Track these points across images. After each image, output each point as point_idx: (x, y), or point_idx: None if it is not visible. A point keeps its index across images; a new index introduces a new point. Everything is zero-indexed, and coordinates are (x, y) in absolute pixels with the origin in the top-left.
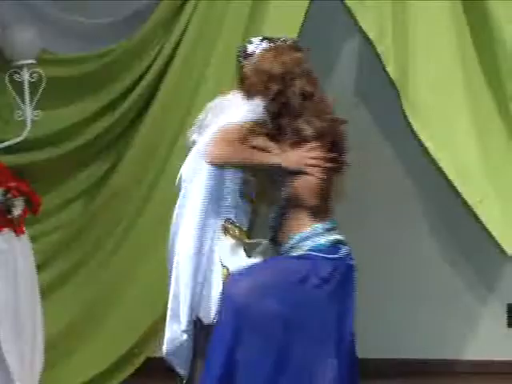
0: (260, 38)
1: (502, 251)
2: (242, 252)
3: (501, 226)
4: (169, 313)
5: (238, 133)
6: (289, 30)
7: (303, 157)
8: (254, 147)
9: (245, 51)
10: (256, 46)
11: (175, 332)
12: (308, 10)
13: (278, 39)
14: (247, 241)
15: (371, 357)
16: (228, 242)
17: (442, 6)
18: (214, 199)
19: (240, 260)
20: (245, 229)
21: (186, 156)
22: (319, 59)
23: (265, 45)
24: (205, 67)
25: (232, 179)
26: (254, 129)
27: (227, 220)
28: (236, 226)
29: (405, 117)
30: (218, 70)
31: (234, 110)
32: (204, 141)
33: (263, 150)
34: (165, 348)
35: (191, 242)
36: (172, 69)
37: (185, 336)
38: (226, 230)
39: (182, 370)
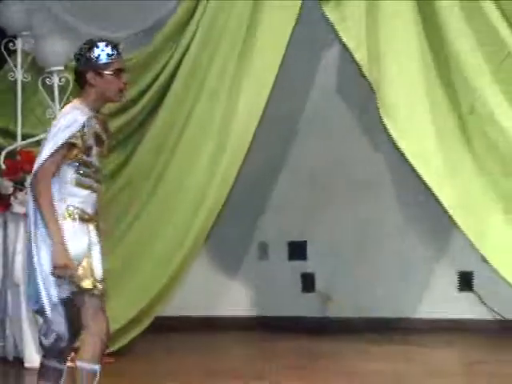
0: None
1: (457, 226)
2: (84, 235)
3: (455, 204)
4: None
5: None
6: (281, 38)
7: None
8: None
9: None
10: None
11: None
12: (296, 22)
13: None
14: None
15: (345, 315)
16: (71, 224)
17: (407, 23)
18: (57, 189)
19: (80, 243)
20: (90, 212)
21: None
22: (307, 63)
23: None
24: (207, 74)
25: (67, 175)
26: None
27: (69, 205)
28: (78, 210)
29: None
30: (218, 76)
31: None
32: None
33: None
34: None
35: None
36: (178, 77)
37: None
38: (67, 213)
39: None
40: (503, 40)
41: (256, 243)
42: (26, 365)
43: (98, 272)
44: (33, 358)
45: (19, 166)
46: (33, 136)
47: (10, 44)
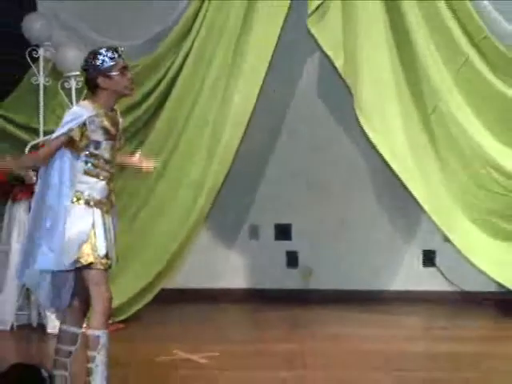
0: None
1: (423, 210)
2: (89, 216)
3: (422, 193)
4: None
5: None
6: (269, 44)
7: None
8: None
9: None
10: None
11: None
12: (282, 33)
13: None
14: None
15: (325, 287)
16: (77, 207)
17: (379, 32)
18: (67, 177)
19: (84, 223)
20: (98, 198)
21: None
22: (291, 69)
23: None
24: (205, 77)
25: (78, 165)
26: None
27: (78, 191)
28: (85, 195)
29: (353, 113)
30: (215, 78)
31: None
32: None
33: None
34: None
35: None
36: (180, 79)
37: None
38: (75, 198)
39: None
40: (459, 46)
41: (247, 225)
42: (49, 330)
43: (102, 249)
44: (54, 324)
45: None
46: (53, 132)
47: (34, 52)
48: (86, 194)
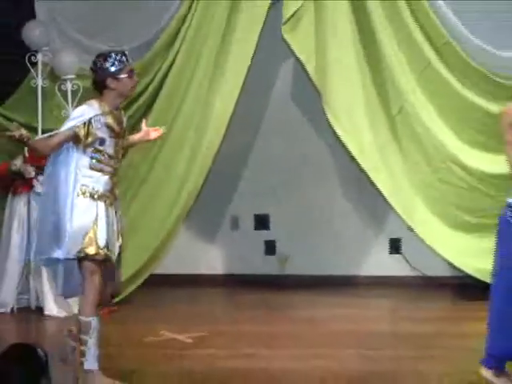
0: None
1: (387, 202)
2: (93, 209)
3: (387, 186)
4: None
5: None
6: (248, 50)
7: None
8: None
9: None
10: None
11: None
12: (259, 37)
13: None
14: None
15: (299, 273)
16: (82, 200)
17: (347, 38)
18: (74, 171)
19: (88, 215)
20: (101, 191)
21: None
22: (266, 74)
23: None
24: (191, 77)
25: (83, 160)
26: None
27: (83, 185)
28: (89, 189)
29: (324, 113)
30: (201, 79)
31: None
32: None
33: None
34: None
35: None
36: (169, 80)
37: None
38: (80, 191)
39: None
40: (422, 50)
41: (229, 216)
42: (46, 312)
43: (102, 241)
44: (51, 307)
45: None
46: (51, 131)
47: (33, 57)
48: (91, 187)
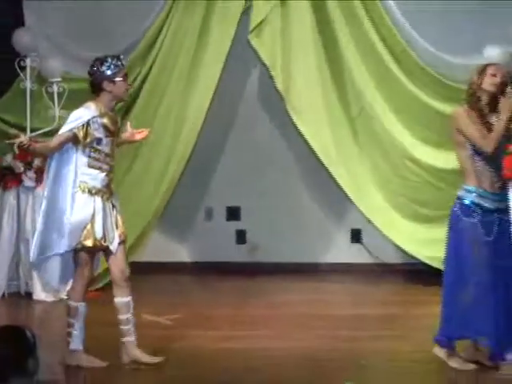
0: None
1: (347, 196)
2: (90, 204)
3: (347, 182)
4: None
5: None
6: (220, 56)
7: None
8: None
9: None
10: None
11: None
12: (232, 43)
13: None
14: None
15: (269, 261)
16: (80, 195)
17: (310, 45)
18: (73, 169)
19: (86, 210)
20: (99, 186)
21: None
22: (236, 78)
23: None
24: (168, 81)
25: (82, 159)
26: None
27: (81, 181)
28: (87, 185)
29: (288, 115)
30: (175, 88)
31: None
32: None
33: None
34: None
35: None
36: (145, 87)
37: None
38: (79, 188)
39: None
40: (381, 56)
41: (203, 208)
42: (34, 297)
43: (99, 233)
44: (39, 292)
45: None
46: (39, 129)
47: (22, 62)
48: (89, 184)
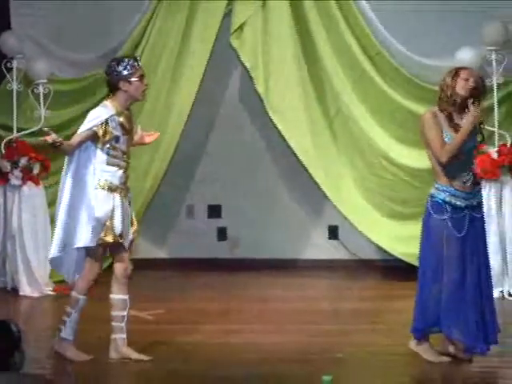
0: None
1: (325, 194)
2: (110, 200)
3: (324, 180)
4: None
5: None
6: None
7: None
8: None
9: None
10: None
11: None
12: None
13: None
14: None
15: (249, 257)
16: (101, 192)
17: (289, 47)
18: (93, 167)
19: (107, 206)
20: (117, 183)
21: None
22: (219, 78)
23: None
24: (153, 79)
25: (101, 156)
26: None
27: (100, 179)
28: (107, 182)
29: (267, 114)
30: (159, 87)
31: None
32: None
33: None
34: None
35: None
36: None
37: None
38: (99, 185)
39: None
40: (357, 58)
41: (185, 205)
42: (20, 293)
43: (118, 229)
44: (25, 288)
45: (15, 151)
46: (25, 129)
47: (8, 63)
48: (108, 181)
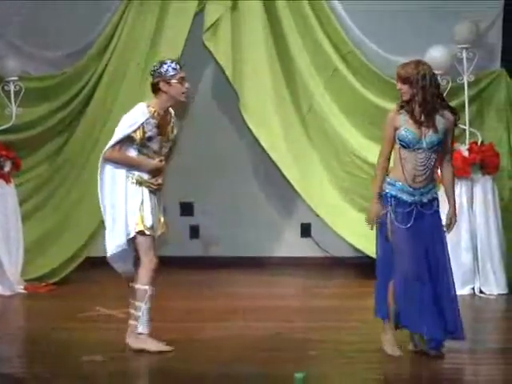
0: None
1: (296, 192)
2: (139, 193)
3: (297, 178)
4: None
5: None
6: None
7: None
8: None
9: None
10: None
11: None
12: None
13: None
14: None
15: (221, 255)
16: (131, 186)
17: (262, 45)
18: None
19: (137, 200)
20: (146, 178)
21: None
22: (194, 76)
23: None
24: (120, 83)
25: (132, 153)
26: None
27: (131, 173)
28: (137, 177)
29: (240, 112)
30: (130, 85)
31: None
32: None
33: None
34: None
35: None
36: (101, 85)
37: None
38: (130, 179)
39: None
40: (330, 57)
41: None
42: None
43: (149, 221)
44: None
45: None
46: None
47: None
48: (137, 175)
